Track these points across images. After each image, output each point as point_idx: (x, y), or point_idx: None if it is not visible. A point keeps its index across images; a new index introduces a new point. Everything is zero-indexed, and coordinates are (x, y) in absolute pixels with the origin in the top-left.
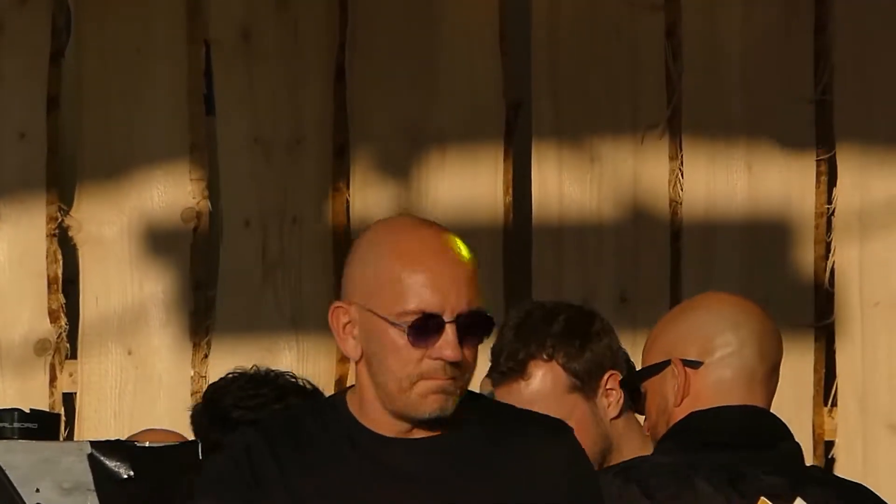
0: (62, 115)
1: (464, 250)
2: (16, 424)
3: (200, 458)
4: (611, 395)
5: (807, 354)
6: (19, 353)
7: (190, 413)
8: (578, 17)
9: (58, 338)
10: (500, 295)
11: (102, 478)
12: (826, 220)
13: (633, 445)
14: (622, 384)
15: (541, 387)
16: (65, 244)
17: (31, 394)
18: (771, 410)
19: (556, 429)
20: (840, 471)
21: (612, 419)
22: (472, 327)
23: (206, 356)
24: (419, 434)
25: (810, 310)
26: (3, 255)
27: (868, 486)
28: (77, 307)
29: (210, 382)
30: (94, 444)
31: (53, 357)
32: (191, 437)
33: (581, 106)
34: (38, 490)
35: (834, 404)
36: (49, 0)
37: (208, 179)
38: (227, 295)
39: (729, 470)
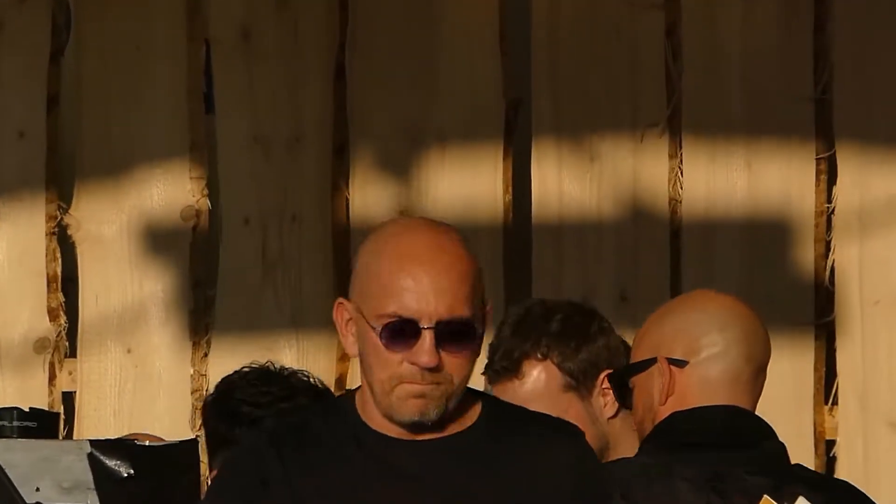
0: (62, 113)
1: (459, 257)
2: (15, 423)
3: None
4: (607, 395)
5: (807, 353)
6: (19, 351)
7: (201, 403)
8: (578, 16)
9: (57, 336)
10: (500, 294)
11: (102, 476)
12: (826, 218)
13: (629, 445)
14: (610, 379)
15: (535, 386)
16: (64, 243)
17: (31, 392)
18: (770, 409)
19: (562, 430)
20: (841, 469)
21: (608, 418)
22: (453, 335)
23: (205, 355)
24: (424, 435)
25: (810, 308)
26: (2, 254)
27: (855, 485)
28: (76, 306)
29: (224, 376)
30: (93, 442)
31: (53, 355)
32: (188, 435)
33: (581, 105)
34: (37, 489)
35: (834, 403)
36: None
37: (208, 178)
38: (226, 293)
39: (709, 470)
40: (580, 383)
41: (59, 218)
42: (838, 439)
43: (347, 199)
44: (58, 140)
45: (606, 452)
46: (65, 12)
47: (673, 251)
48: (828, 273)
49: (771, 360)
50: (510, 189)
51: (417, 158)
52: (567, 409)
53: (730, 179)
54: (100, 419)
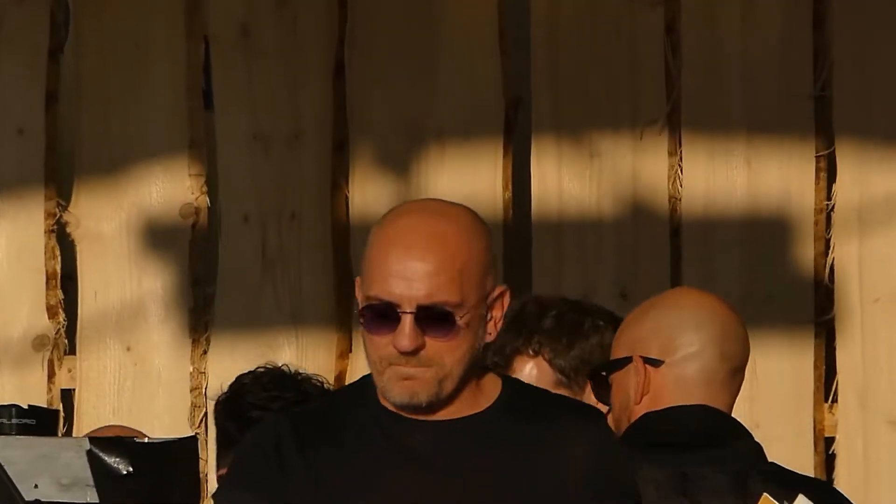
0: (61, 111)
1: (449, 242)
2: (14, 420)
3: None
4: None
5: (807, 351)
6: (17, 348)
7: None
8: (578, 14)
9: (56, 334)
10: None
11: (101, 473)
12: (826, 216)
13: None
14: (589, 376)
15: (526, 381)
16: (63, 240)
17: (30, 390)
18: (770, 407)
19: (583, 413)
20: (841, 467)
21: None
22: (433, 320)
23: (205, 352)
24: (438, 415)
25: (810, 306)
26: (1, 251)
27: (832, 484)
28: (75, 303)
29: (239, 374)
30: (92, 439)
31: (52, 353)
32: (188, 432)
33: (580, 102)
34: (36, 486)
35: (834, 400)
36: None
37: (207, 175)
38: (226, 291)
39: (677, 472)
40: (571, 380)
41: (58, 215)
42: (838, 437)
43: (347, 197)
44: (57, 137)
45: None
46: (64, 10)
47: (673, 249)
48: (827, 271)
49: (771, 359)
50: (510, 187)
51: (417, 156)
52: None
53: (729, 177)
54: (99, 417)
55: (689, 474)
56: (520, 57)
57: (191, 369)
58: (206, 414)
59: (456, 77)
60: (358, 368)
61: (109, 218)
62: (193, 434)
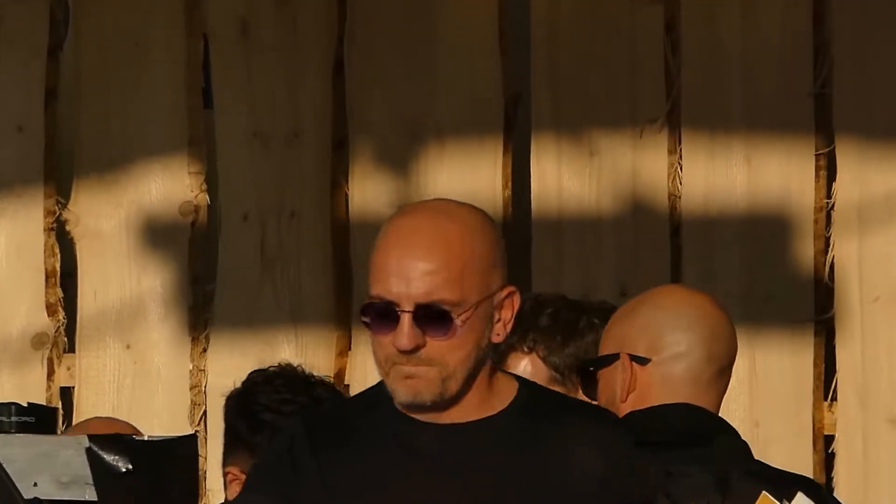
0: (60, 108)
1: (450, 241)
2: (13, 418)
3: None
4: None
5: (807, 349)
6: (17, 346)
7: (226, 396)
8: (578, 12)
9: (55, 332)
10: None
11: (100, 471)
12: (825, 214)
13: None
14: (576, 370)
15: None
16: (62, 238)
17: (29, 388)
18: (770, 405)
19: (600, 419)
20: (840, 465)
21: None
22: (432, 319)
23: (204, 350)
24: (450, 417)
25: (810, 304)
26: (0, 249)
27: (815, 481)
28: (75, 301)
29: (252, 372)
30: (92, 437)
31: (51, 351)
32: (187, 430)
33: (580, 100)
34: (35, 484)
35: (834, 399)
36: None
37: (206, 173)
38: (225, 289)
39: (661, 470)
40: (566, 377)
41: (57, 213)
42: (837, 435)
43: (347, 195)
44: (56, 135)
45: None
46: (63, 8)
47: (673, 247)
48: (827, 269)
49: (770, 357)
50: (509, 184)
51: (417, 154)
52: None
53: (729, 175)
54: (98, 415)
55: (673, 473)
56: (519, 55)
57: (190, 367)
58: (205, 412)
59: (455, 75)
60: (357, 366)
61: (109, 216)
62: (193, 432)
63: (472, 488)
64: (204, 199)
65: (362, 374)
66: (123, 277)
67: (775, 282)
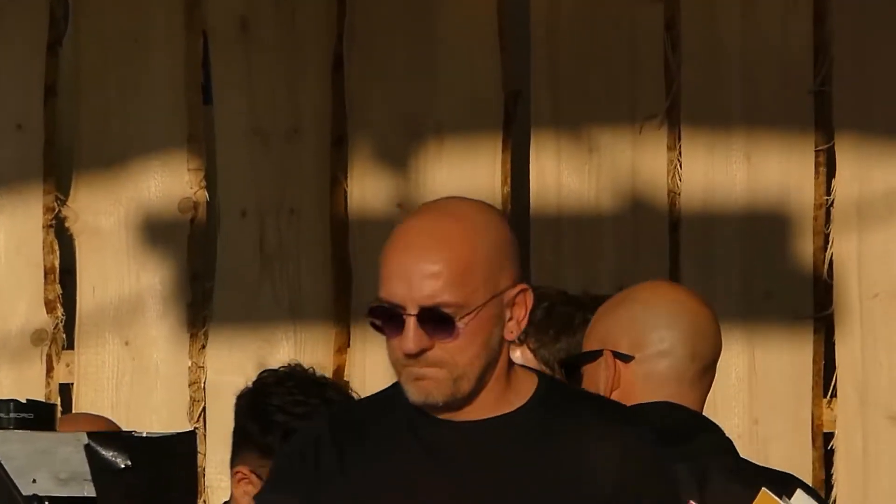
0: (59, 105)
1: (453, 242)
2: (12, 415)
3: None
4: None
5: (806, 346)
6: (16, 343)
7: (237, 395)
8: (578, 9)
9: (54, 328)
10: None
11: (99, 468)
12: (825, 211)
13: None
14: (562, 365)
15: None
16: (62, 234)
17: (28, 384)
18: (769, 402)
19: (619, 415)
20: (839, 462)
21: None
22: (436, 321)
23: (203, 347)
24: (467, 415)
25: (809, 301)
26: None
27: (800, 478)
28: (74, 298)
29: (262, 371)
30: (90, 434)
31: (50, 347)
32: (186, 427)
33: (580, 96)
34: (34, 481)
35: (833, 395)
36: None
37: (206, 170)
38: (224, 286)
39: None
40: (555, 371)
41: (56, 210)
42: (837, 432)
43: (346, 192)
44: (55, 132)
45: None
46: (63, 4)
47: (672, 243)
48: (826, 266)
49: (770, 354)
50: (509, 181)
51: (416, 151)
52: None
53: (729, 172)
54: (97, 411)
55: None
56: (519, 52)
57: (189, 364)
58: (204, 409)
59: (455, 72)
60: (356, 363)
61: (108, 213)
62: (192, 429)
63: (490, 485)
64: (203, 195)
65: (361, 370)
66: (122, 274)
67: (775, 279)
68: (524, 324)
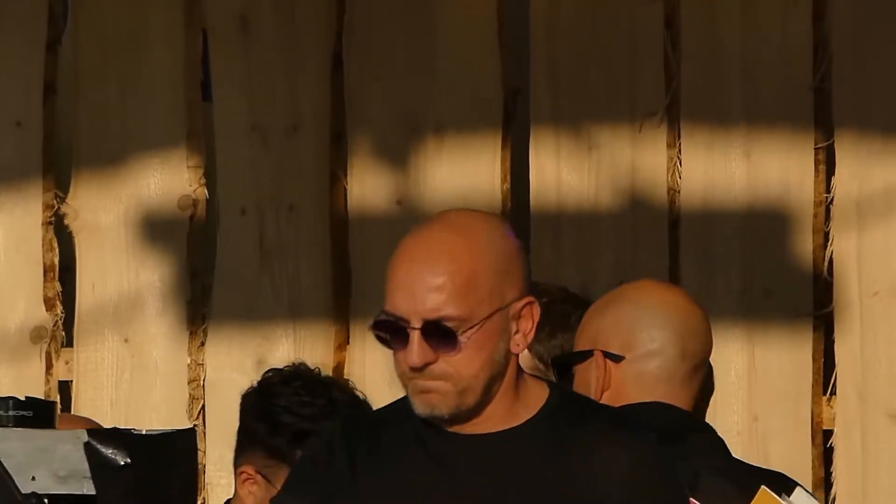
0: (59, 102)
1: (456, 255)
2: (11, 412)
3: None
4: None
5: (805, 344)
6: (15, 340)
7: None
8: (578, 6)
9: (54, 325)
10: None
11: (98, 465)
12: (825, 208)
13: None
14: (553, 364)
15: None
16: (61, 232)
17: (27, 382)
18: (769, 399)
19: (629, 428)
20: (839, 460)
21: None
22: (440, 335)
23: (202, 344)
24: (478, 428)
25: (809, 299)
26: None
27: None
28: (73, 295)
29: (267, 372)
30: (90, 431)
31: (49, 345)
32: (185, 424)
33: (579, 94)
34: (33, 478)
35: (833, 393)
36: None
37: (205, 167)
38: (223, 283)
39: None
40: (548, 368)
41: (55, 207)
42: (836, 430)
43: (345, 189)
44: (55, 129)
45: None
46: (62, 1)
47: (671, 241)
48: (826, 264)
49: (769, 351)
50: (508, 178)
51: (415, 148)
52: None
53: (728, 169)
54: (96, 409)
55: None
56: (519, 49)
57: (188, 361)
58: (203, 406)
59: (454, 69)
60: (355, 361)
61: (107, 210)
62: (191, 426)
63: (497, 499)
64: (202, 192)
65: (360, 368)
66: (122, 271)
67: (774, 276)
68: (531, 337)
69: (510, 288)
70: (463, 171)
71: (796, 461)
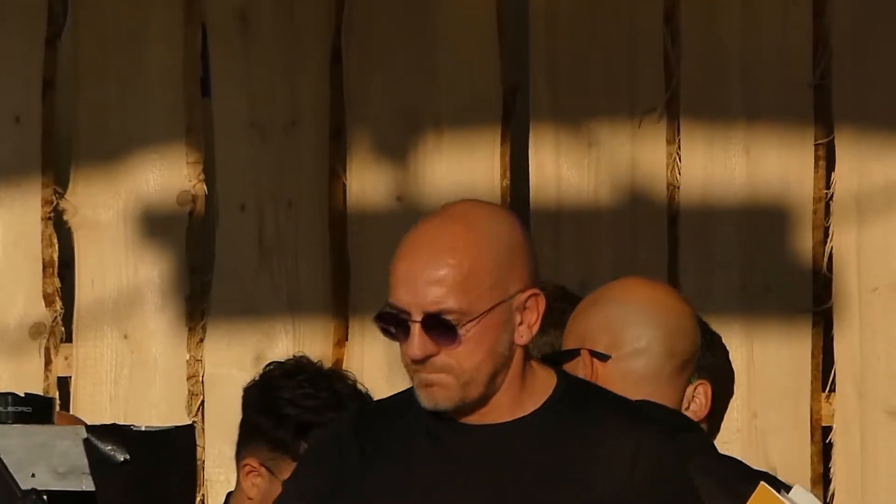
0: (58, 98)
1: (457, 249)
2: (10, 408)
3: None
4: None
5: (805, 340)
6: (14, 336)
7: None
8: (576, 1)
9: (53, 321)
10: None
11: (98, 461)
12: (824, 204)
13: None
14: (543, 360)
15: None
16: (60, 227)
17: (26, 377)
18: (768, 396)
19: (637, 417)
20: (838, 457)
21: None
22: (440, 327)
23: (201, 340)
24: (485, 419)
25: (808, 295)
26: None
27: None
28: (72, 291)
29: (269, 364)
30: (89, 427)
31: (48, 341)
32: (184, 420)
33: (579, 90)
34: (33, 475)
35: (832, 390)
36: None
37: (204, 163)
38: (222, 279)
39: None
40: None
41: (55, 203)
42: (835, 426)
43: (344, 185)
44: (54, 125)
45: None
46: None
47: (671, 237)
48: (826, 260)
49: (768, 348)
50: (507, 174)
51: (415, 143)
52: None
53: (728, 165)
54: (95, 405)
55: None
56: (518, 45)
57: (187, 357)
58: (202, 402)
59: (454, 64)
60: (354, 356)
61: (106, 206)
62: (191, 422)
63: (503, 488)
64: (202, 188)
65: (359, 363)
66: (121, 267)
67: (773, 272)
68: (536, 328)
69: (514, 280)
70: (462, 167)
71: (795, 458)
